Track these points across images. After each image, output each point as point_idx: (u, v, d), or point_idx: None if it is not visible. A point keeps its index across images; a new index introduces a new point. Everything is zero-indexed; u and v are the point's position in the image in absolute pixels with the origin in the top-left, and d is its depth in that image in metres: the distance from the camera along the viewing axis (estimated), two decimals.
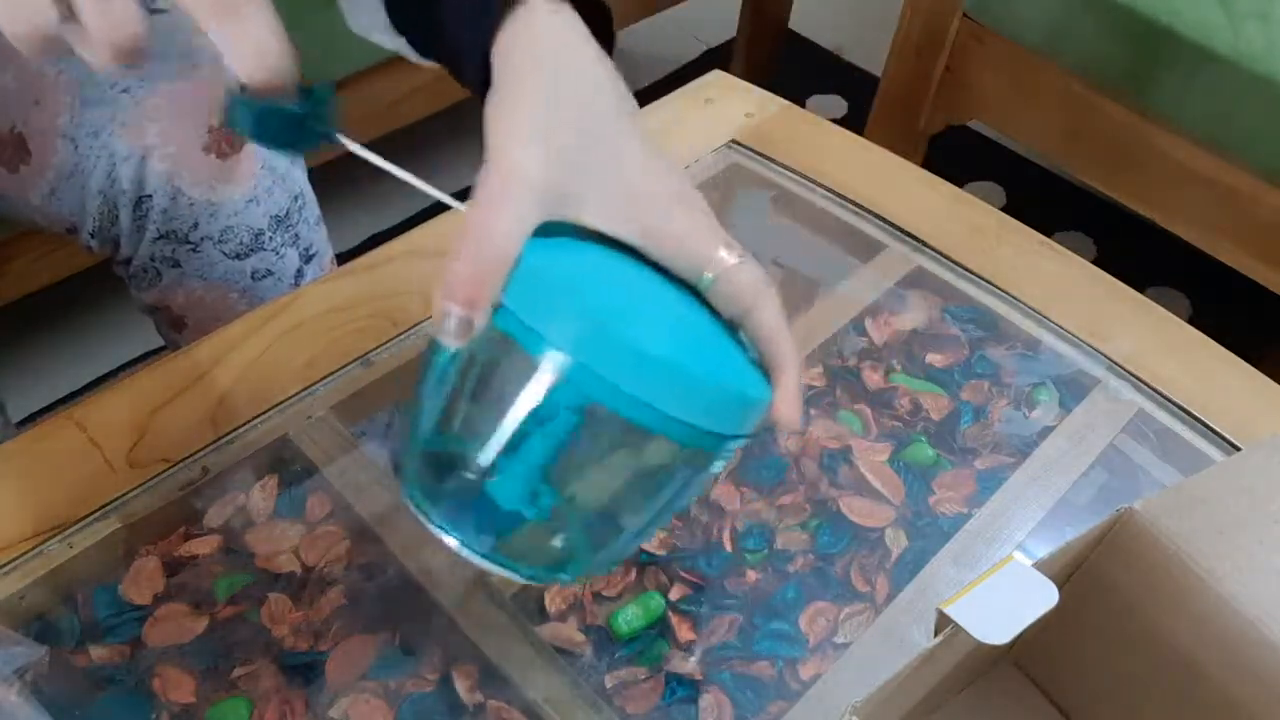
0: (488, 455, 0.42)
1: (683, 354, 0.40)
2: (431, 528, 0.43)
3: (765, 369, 0.44)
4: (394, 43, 0.51)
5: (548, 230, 0.42)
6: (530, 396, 0.40)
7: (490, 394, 0.42)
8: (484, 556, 0.43)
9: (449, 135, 1.57)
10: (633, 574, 0.57)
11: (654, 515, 0.46)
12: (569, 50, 0.43)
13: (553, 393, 0.40)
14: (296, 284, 0.82)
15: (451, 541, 0.43)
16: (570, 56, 0.43)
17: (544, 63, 0.42)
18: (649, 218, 0.43)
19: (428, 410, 0.44)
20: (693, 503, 0.49)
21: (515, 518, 0.43)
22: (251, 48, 0.37)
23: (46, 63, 0.71)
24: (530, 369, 0.40)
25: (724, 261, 0.43)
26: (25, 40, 0.35)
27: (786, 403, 0.44)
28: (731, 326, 0.45)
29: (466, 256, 0.39)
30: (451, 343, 0.40)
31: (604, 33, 0.46)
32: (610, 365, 0.39)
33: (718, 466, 0.45)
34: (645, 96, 0.63)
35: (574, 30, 0.43)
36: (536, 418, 0.40)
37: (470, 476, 0.42)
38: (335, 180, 1.04)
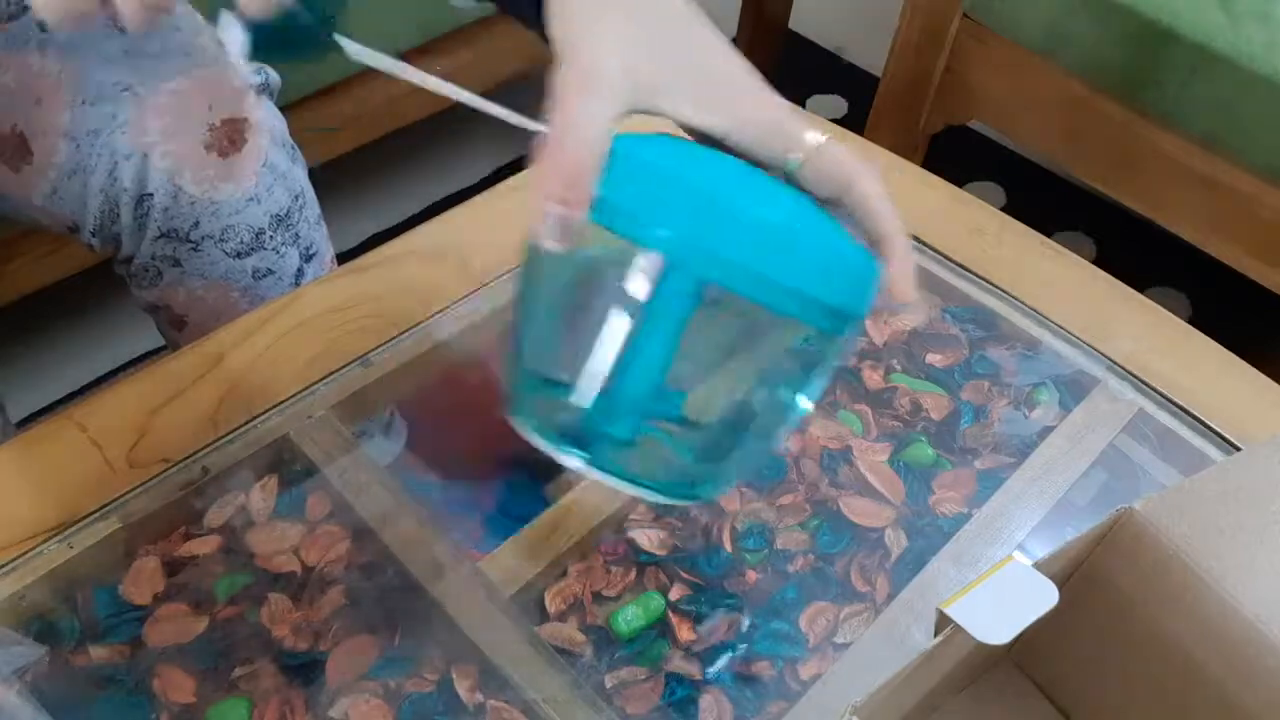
0: (605, 363, 0.40)
1: (792, 222, 0.40)
2: (553, 450, 0.42)
3: (871, 243, 0.43)
4: None
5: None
6: (645, 290, 0.39)
7: (602, 298, 0.41)
8: (615, 475, 0.42)
9: (449, 135, 1.57)
10: (633, 574, 0.57)
11: (779, 415, 0.44)
12: None
13: (668, 280, 0.38)
14: (297, 283, 0.82)
15: (575, 461, 0.42)
16: None
17: None
18: (734, 106, 0.42)
19: (537, 328, 0.43)
20: (818, 403, 0.47)
21: (639, 427, 0.42)
22: None
23: (48, 62, 0.71)
24: (641, 260, 0.38)
25: (814, 141, 0.42)
26: (55, 10, 0.35)
27: (901, 273, 0.43)
28: (825, 208, 0.44)
29: (556, 153, 0.39)
30: (554, 245, 0.39)
31: None
32: (725, 241, 0.38)
33: (833, 358, 0.43)
34: None
35: None
36: (653, 313, 0.39)
37: (589, 390, 0.41)
38: (335, 180, 1.04)
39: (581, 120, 0.39)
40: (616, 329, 0.40)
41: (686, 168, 0.41)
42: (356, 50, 0.42)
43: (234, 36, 0.39)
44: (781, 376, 0.43)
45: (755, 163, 0.43)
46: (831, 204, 0.44)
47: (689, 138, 0.44)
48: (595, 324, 0.41)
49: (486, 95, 0.43)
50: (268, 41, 0.39)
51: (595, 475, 0.42)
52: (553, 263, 0.42)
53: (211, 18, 0.77)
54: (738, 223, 0.38)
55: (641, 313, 0.39)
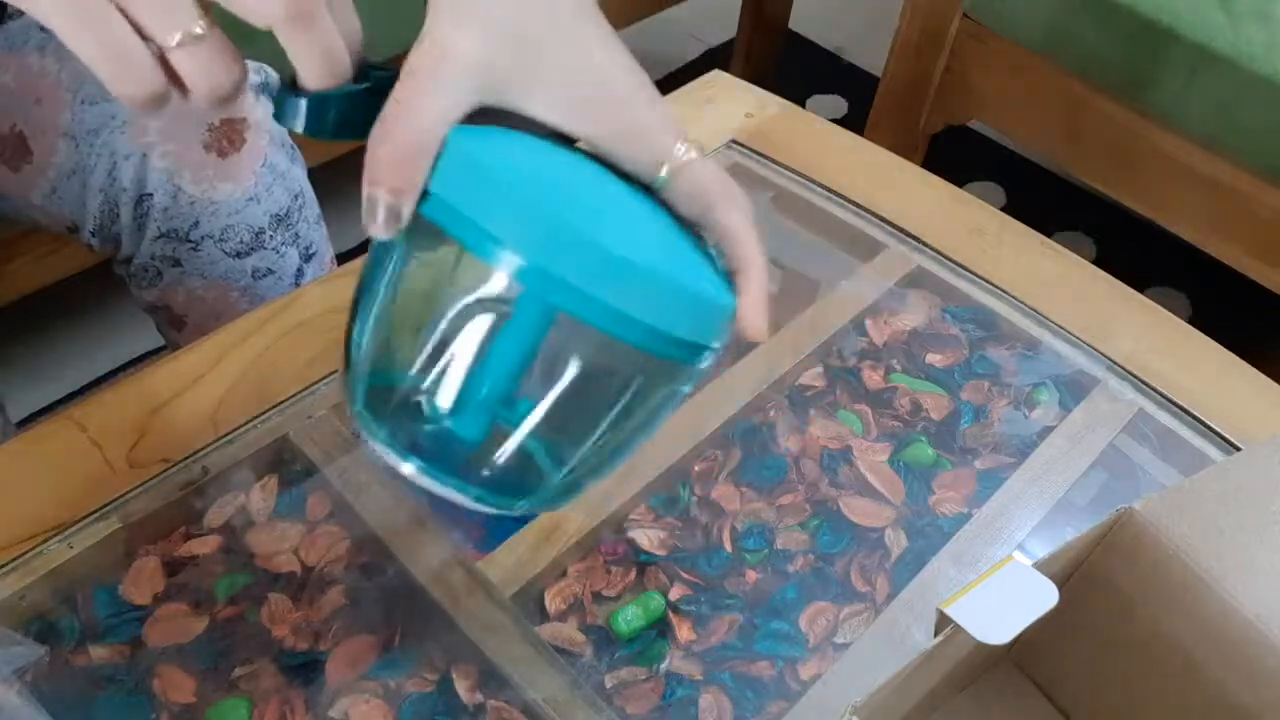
0: (434, 373, 0.39)
1: (642, 252, 0.37)
2: (383, 452, 0.41)
3: (729, 272, 0.41)
4: None
5: (487, 121, 0.39)
6: (472, 304, 0.37)
7: (433, 307, 0.39)
8: (438, 480, 0.40)
9: None
10: (633, 574, 0.57)
11: (616, 440, 0.42)
12: None
13: (496, 298, 0.37)
14: (297, 283, 0.82)
15: (407, 468, 0.40)
16: None
17: None
18: (601, 111, 0.40)
19: (371, 327, 0.41)
20: (660, 427, 0.44)
21: (468, 439, 0.40)
22: (320, 57, 0.36)
23: (48, 62, 0.71)
24: (475, 273, 0.37)
25: (682, 157, 0.40)
26: (133, 99, 0.35)
27: (751, 309, 0.40)
28: (690, 227, 0.42)
29: (389, 136, 0.37)
30: (381, 233, 0.37)
31: None
32: (566, 266, 0.36)
33: (687, 387, 0.42)
34: None
35: None
36: (478, 328, 0.37)
37: (417, 396, 0.39)
38: (335, 180, 1.04)
39: (420, 104, 0.37)
40: (448, 339, 0.38)
41: (537, 175, 0.38)
42: None
43: (296, 110, 0.38)
44: (630, 396, 0.41)
45: (621, 173, 0.41)
46: (697, 222, 0.42)
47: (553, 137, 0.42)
48: (434, 326, 0.39)
49: None
50: (324, 114, 0.38)
51: (425, 483, 0.41)
52: (393, 257, 0.40)
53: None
54: (584, 249, 0.36)
55: (470, 325, 0.38)
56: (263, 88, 0.77)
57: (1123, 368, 0.67)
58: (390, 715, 0.51)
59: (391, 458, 0.41)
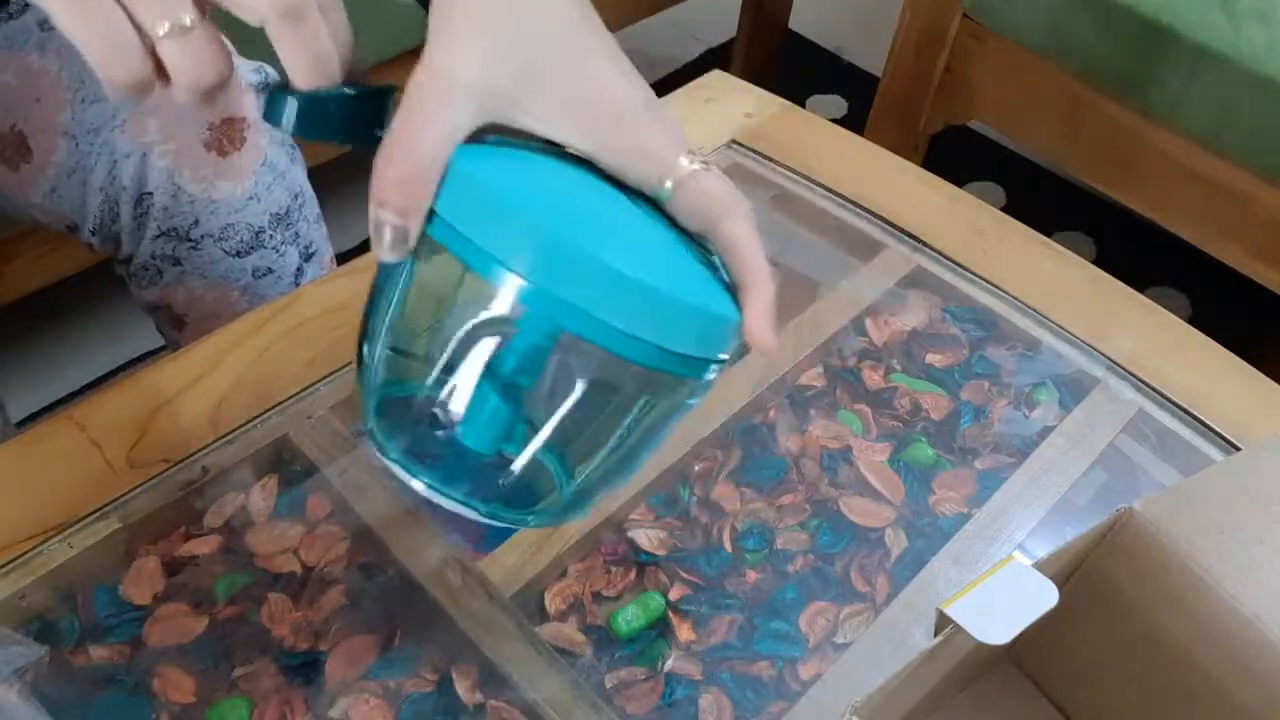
0: (443, 391, 0.39)
1: (646, 270, 0.37)
2: (394, 468, 0.41)
3: (734, 284, 0.41)
4: None
5: (492, 139, 0.39)
6: (479, 324, 0.38)
7: (442, 324, 0.40)
8: (449, 497, 0.41)
9: None
10: (633, 574, 0.57)
11: (625, 452, 0.42)
12: None
13: (503, 317, 0.37)
14: (296, 282, 0.82)
15: (418, 484, 0.41)
16: None
17: None
18: (604, 126, 0.40)
19: (380, 344, 0.41)
20: (668, 438, 0.45)
21: (477, 455, 0.40)
22: (308, 55, 0.37)
23: (48, 60, 0.71)
24: (482, 293, 0.37)
25: (686, 169, 0.40)
26: (119, 85, 0.36)
27: (758, 322, 0.40)
28: (695, 241, 0.42)
29: (394, 159, 0.37)
30: (388, 256, 0.38)
31: None
32: (570, 287, 0.36)
33: (695, 399, 0.42)
34: None
35: None
36: (485, 347, 0.38)
37: (427, 413, 0.40)
38: (335, 179, 1.04)
39: (425, 128, 0.37)
40: (455, 358, 0.39)
41: (542, 194, 0.38)
42: None
43: (283, 108, 0.38)
44: (638, 410, 0.41)
45: (625, 187, 0.41)
46: (703, 235, 0.42)
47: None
48: (442, 344, 0.40)
49: None
50: (311, 115, 0.38)
51: (437, 499, 0.41)
52: (400, 276, 0.40)
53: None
54: (587, 269, 0.36)
55: (478, 345, 0.38)
56: (263, 87, 0.77)
57: (1123, 368, 0.67)
58: (390, 715, 0.51)
59: (403, 474, 0.41)
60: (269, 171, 0.77)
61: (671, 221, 0.42)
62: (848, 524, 0.60)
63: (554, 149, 0.41)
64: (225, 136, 0.74)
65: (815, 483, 0.62)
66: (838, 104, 1.87)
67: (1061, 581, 0.45)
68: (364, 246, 1.42)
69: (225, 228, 0.77)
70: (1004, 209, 0.84)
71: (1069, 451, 0.63)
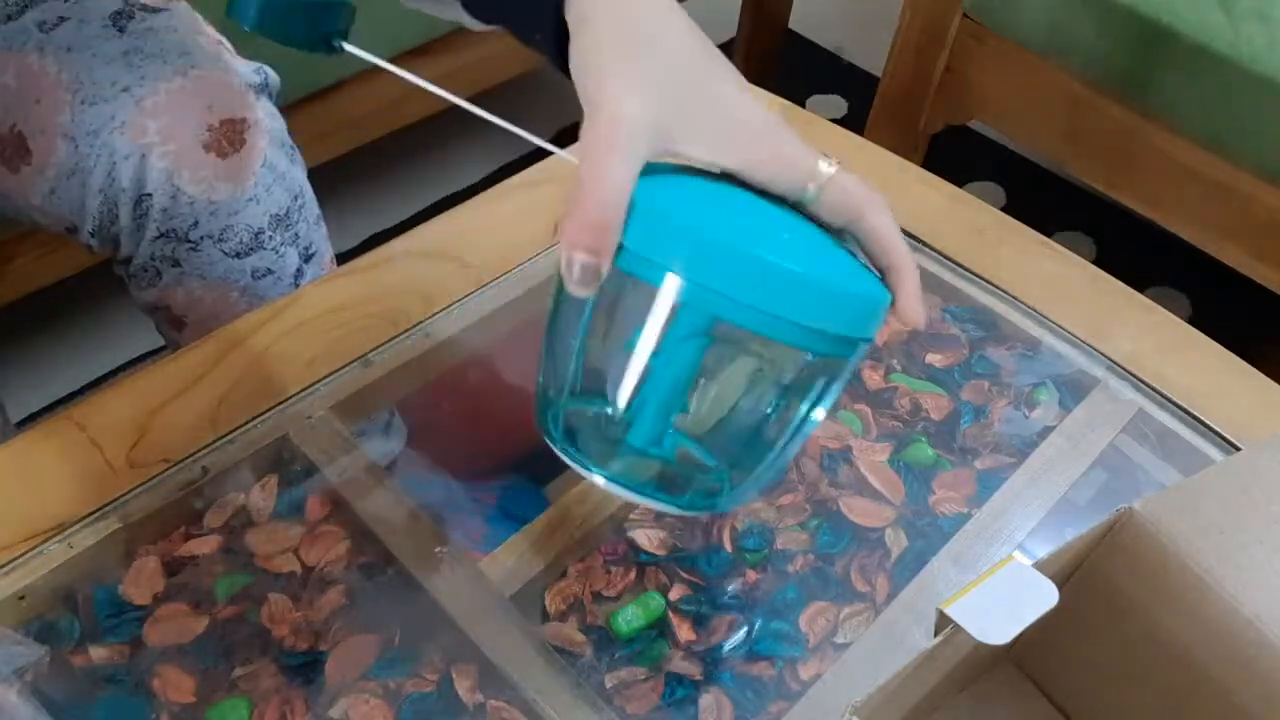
0: (625, 394, 0.44)
1: (801, 261, 0.42)
2: (580, 469, 0.45)
3: (879, 271, 0.46)
4: (449, 12, 0.52)
5: (649, 169, 0.43)
6: (659, 328, 0.42)
7: (622, 335, 0.44)
8: (635, 491, 0.45)
9: (449, 135, 1.57)
10: (633, 574, 0.57)
11: (791, 430, 0.47)
12: None
13: (680, 319, 0.41)
14: (296, 283, 0.82)
15: (600, 479, 0.45)
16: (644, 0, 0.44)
17: (624, 7, 0.43)
18: (748, 143, 0.44)
19: (562, 359, 0.46)
20: (828, 416, 0.51)
21: (658, 451, 0.45)
22: None
23: (47, 62, 0.71)
24: (657, 301, 0.41)
25: (826, 172, 0.44)
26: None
27: (908, 299, 0.45)
28: (839, 236, 0.46)
29: (585, 205, 0.41)
30: (581, 292, 0.41)
31: None
32: (731, 280, 0.40)
33: (845, 375, 0.46)
34: None
35: None
36: (667, 348, 0.42)
37: (611, 416, 0.45)
38: (335, 180, 1.04)
39: (608, 174, 0.41)
40: (640, 358, 0.43)
41: (704, 209, 0.43)
42: (362, 53, 0.43)
43: (251, 3, 0.40)
44: (796, 393, 0.46)
45: (771, 196, 0.45)
46: (843, 231, 0.46)
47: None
48: (617, 355, 0.44)
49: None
50: (274, 25, 0.41)
51: (616, 491, 0.46)
52: (585, 302, 0.44)
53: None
54: (745, 263, 0.40)
55: (662, 343, 0.42)
56: (262, 88, 0.77)
57: (1123, 368, 0.67)
58: (390, 715, 0.51)
59: (590, 474, 0.46)
60: (269, 173, 0.77)
61: (816, 222, 0.46)
62: (848, 524, 0.60)
63: (707, 171, 0.45)
64: (225, 138, 0.74)
65: (815, 483, 0.62)
66: (838, 104, 1.87)
67: (1061, 581, 0.45)
68: (364, 246, 1.42)
69: (225, 229, 0.77)
70: (1004, 209, 0.84)
71: (1069, 451, 0.63)
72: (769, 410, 0.46)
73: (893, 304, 0.46)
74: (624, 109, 0.42)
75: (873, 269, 0.46)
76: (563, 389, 0.46)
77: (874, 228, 0.45)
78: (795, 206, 0.46)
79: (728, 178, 0.45)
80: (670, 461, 0.46)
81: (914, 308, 0.45)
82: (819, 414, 0.47)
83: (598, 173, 0.41)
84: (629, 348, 0.43)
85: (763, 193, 0.45)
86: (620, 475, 0.46)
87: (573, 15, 0.44)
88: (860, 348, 0.45)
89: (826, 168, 0.45)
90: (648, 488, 0.46)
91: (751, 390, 0.46)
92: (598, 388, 0.45)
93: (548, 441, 0.47)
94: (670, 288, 0.41)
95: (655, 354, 0.43)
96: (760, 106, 0.45)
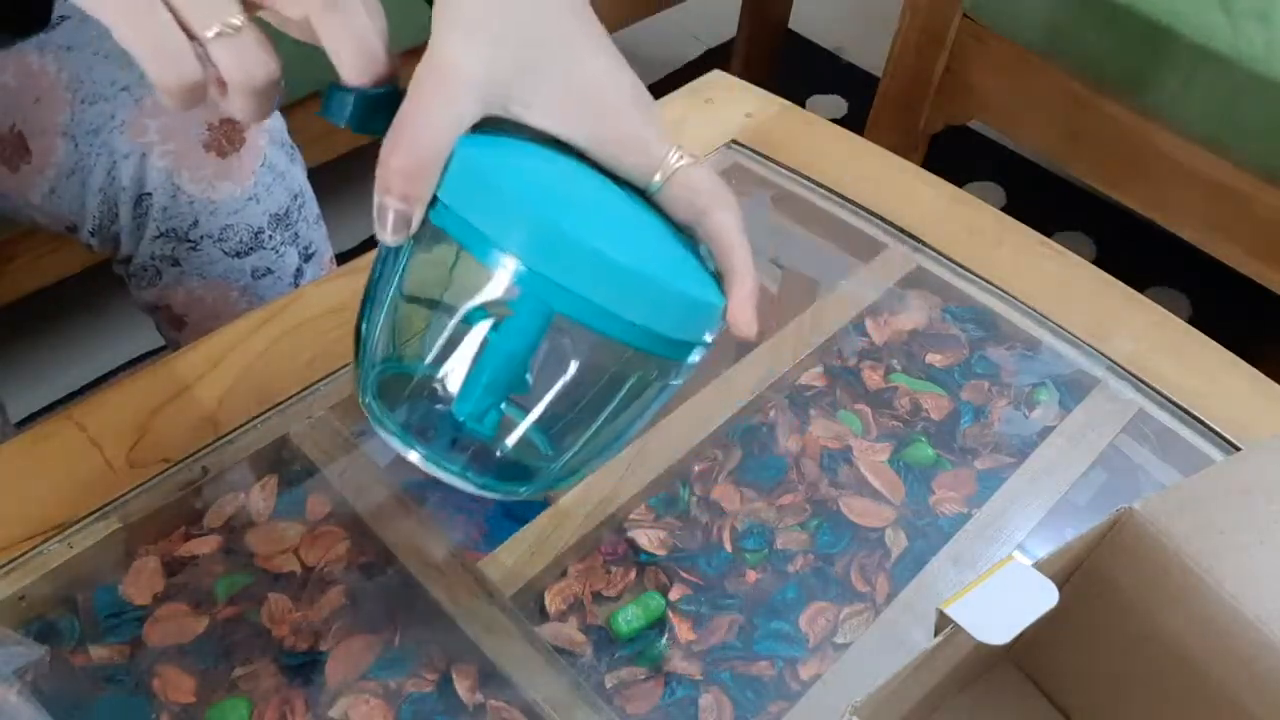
0: (439, 367, 0.42)
1: (635, 257, 0.39)
2: (390, 440, 0.43)
3: (719, 273, 0.44)
4: None
5: (491, 130, 0.41)
6: (476, 304, 0.40)
7: (440, 304, 0.42)
8: (440, 468, 0.43)
9: None
10: (633, 574, 0.57)
11: (613, 428, 0.45)
12: None
13: (499, 299, 0.39)
14: (296, 283, 0.82)
15: (414, 456, 0.43)
16: None
17: None
18: (597, 119, 0.42)
19: (380, 322, 0.44)
20: (653, 416, 0.47)
21: (470, 429, 0.43)
22: (355, 46, 0.38)
23: (47, 61, 0.71)
24: (479, 276, 0.39)
25: (673, 163, 0.42)
26: (173, 91, 0.37)
27: (740, 308, 0.43)
28: (682, 231, 0.44)
29: (400, 149, 0.39)
30: (391, 240, 0.40)
31: None
32: (564, 272, 0.38)
33: (678, 380, 0.44)
34: None
35: None
36: (481, 327, 0.40)
37: (424, 388, 0.43)
38: (335, 180, 1.04)
39: (430, 118, 0.39)
40: (452, 338, 0.41)
41: (537, 183, 0.40)
42: None
43: (341, 104, 0.40)
44: (621, 385, 0.44)
45: (616, 179, 0.43)
46: (691, 226, 0.44)
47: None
48: (440, 323, 0.42)
49: None
50: (368, 120, 0.40)
51: (432, 471, 0.44)
52: (401, 257, 0.42)
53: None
54: (579, 254, 0.38)
55: (471, 325, 0.41)
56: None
57: (1123, 368, 0.67)
58: (390, 715, 0.51)
59: (399, 446, 0.44)
60: (268, 172, 0.77)
61: (659, 213, 0.43)
62: (848, 524, 0.60)
63: (550, 140, 0.43)
64: (225, 137, 0.74)
65: (815, 483, 0.62)
66: (838, 104, 1.87)
67: (1061, 581, 0.45)
68: (364, 247, 1.42)
69: (224, 228, 0.77)
70: (1004, 209, 0.84)
71: (1069, 451, 0.63)
72: (596, 397, 0.44)
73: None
74: (459, 58, 0.39)
75: (712, 271, 0.44)
76: (378, 350, 0.45)
77: (717, 228, 0.43)
78: (642, 195, 0.43)
79: (575, 157, 0.43)
80: (488, 438, 0.43)
81: (745, 317, 0.43)
82: (650, 409, 0.45)
83: (418, 116, 0.39)
84: (441, 312, 0.41)
85: (611, 176, 0.43)
86: (435, 452, 0.44)
87: None
88: (695, 349, 0.43)
89: (676, 160, 0.42)
90: (459, 468, 0.44)
91: (582, 372, 0.43)
92: (407, 355, 0.44)
93: (366, 413, 0.45)
94: (494, 267, 0.38)
95: (464, 322, 0.41)
96: (624, 84, 0.43)
